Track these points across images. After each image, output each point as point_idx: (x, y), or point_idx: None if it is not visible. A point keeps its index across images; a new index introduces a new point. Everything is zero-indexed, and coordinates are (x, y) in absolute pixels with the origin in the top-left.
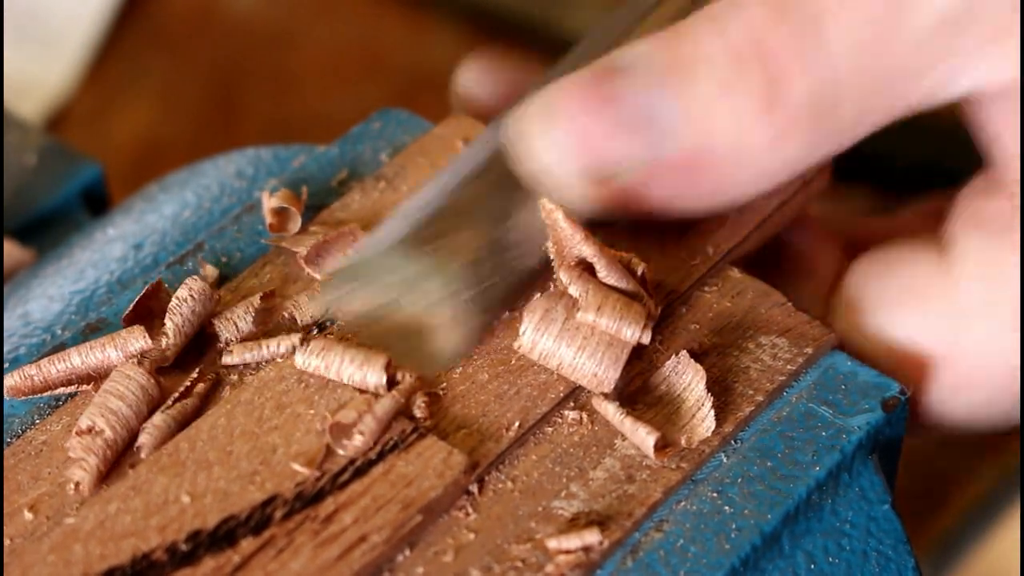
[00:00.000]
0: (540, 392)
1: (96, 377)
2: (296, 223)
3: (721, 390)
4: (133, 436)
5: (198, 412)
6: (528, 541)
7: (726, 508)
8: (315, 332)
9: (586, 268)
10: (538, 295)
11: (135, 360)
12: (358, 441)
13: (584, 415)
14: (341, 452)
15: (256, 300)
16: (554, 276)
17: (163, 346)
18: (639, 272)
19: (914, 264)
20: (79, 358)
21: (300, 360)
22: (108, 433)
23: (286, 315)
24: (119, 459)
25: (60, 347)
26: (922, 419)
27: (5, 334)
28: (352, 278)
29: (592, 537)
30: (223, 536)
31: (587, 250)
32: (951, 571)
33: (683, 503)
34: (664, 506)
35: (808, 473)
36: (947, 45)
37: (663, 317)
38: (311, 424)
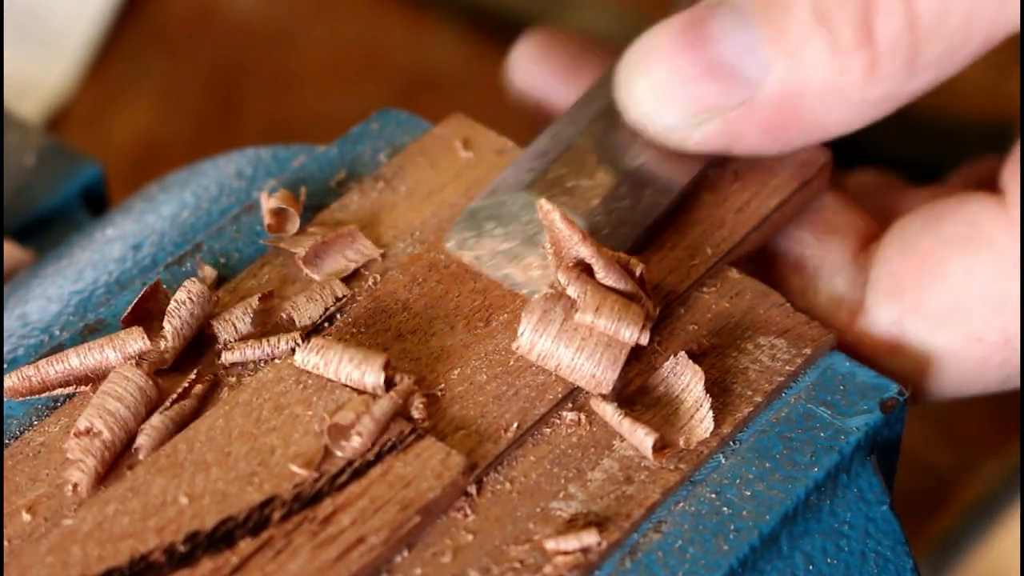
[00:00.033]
0: (538, 393)
1: (94, 378)
2: (294, 224)
3: (719, 391)
4: (131, 437)
5: (196, 413)
6: (526, 542)
7: (724, 509)
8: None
9: (584, 269)
10: (535, 296)
11: (133, 362)
12: (356, 442)
13: (582, 416)
14: (339, 453)
15: (255, 301)
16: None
17: (161, 348)
18: (637, 273)
19: (971, 211)
20: (77, 359)
21: (299, 357)
22: (106, 434)
23: (284, 316)
24: (117, 460)
25: (58, 348)
26: (968, 375)
27: (4, 335)
28: (490, 217)
29: (590, 538)
30: (221, 537)
31: (585, 251)
32: (951, 571)
33: (681, 504)
34: (662, 507)
35: (806, 474)
36: None
37: (662, 318)
38: (309, 425)
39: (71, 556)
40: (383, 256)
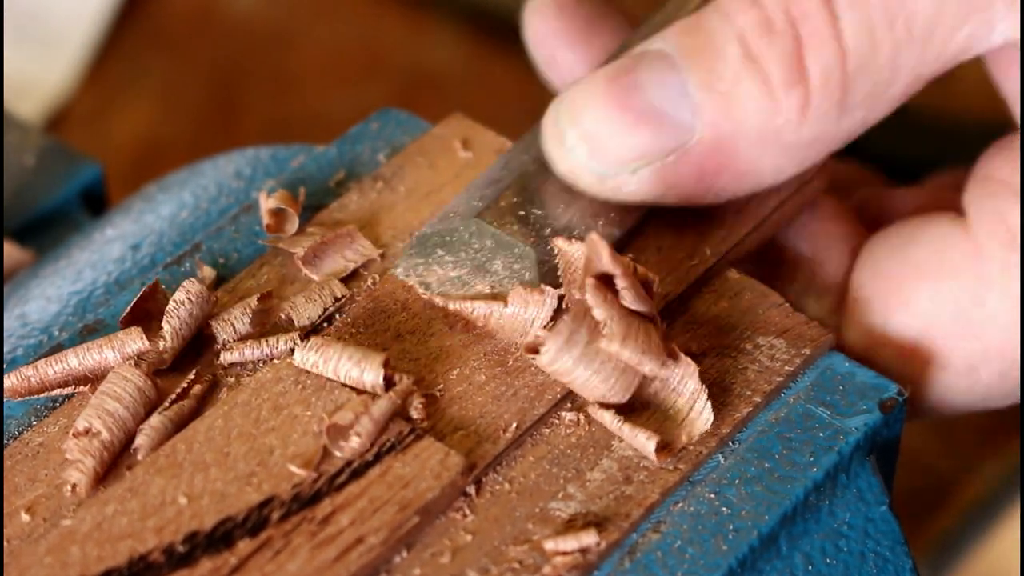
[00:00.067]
0: (537, 393)
1: (93, 379)
2: (293, 224)
3: (719, 391)
4: (130, 438)
5: (195, 414)
6: (525, 542)
7: (723, 509)
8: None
9: (607, 283)
10: (563, 317)
11: (132, 362)
12: (355, 443)
13: (581, 416)
14: (338, 454)
15: (253, 301)
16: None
17: (160, 349)
18: (654, 287)
19: (934, 233)
20: (76, 359)
21: (299, 356)
22: (105, 435)
23: (283, 316)
24: (116, 461)
25: (57, 348)
26: (935, 400)
27: (4, 335)
28: (439, 244)
29: (589, 538)
30: (220, 537)
31: (613, 268)
32: (951, 571)
33: (680, 504)
34: (661, 507)
35: (806, 474)
36: (969, 1)
37: (661, 317)
38: (308, 425)
39: (70, 556)
40: (382, 256)
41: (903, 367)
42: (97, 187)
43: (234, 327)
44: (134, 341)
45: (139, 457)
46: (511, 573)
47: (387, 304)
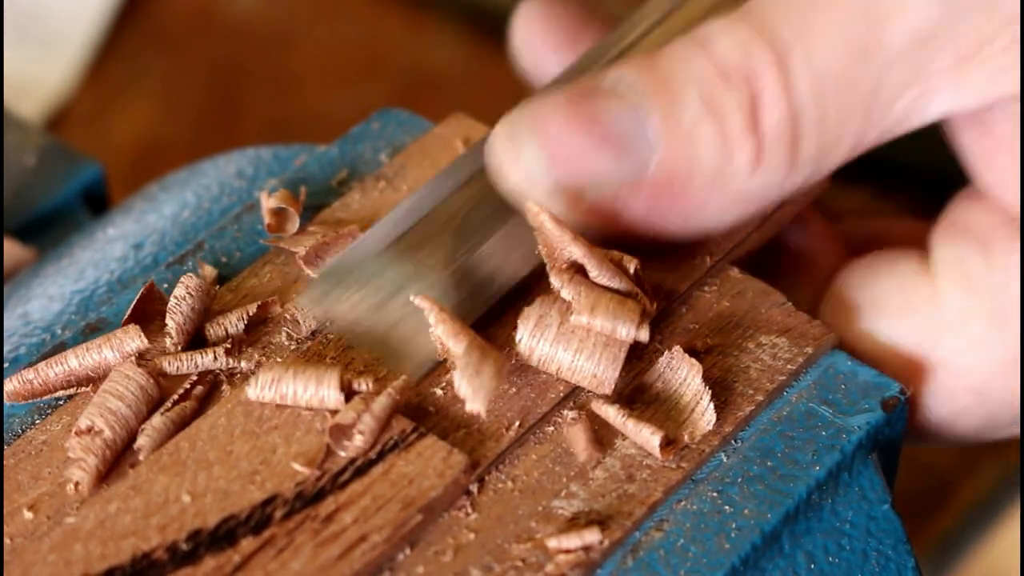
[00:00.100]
0: (540, 392)
1: (95, 378)
2: (294, 224)
3: (721, 390)
4: (132, 436)
5: (197, 414)
6: (528, 540)
7: (726, 508)
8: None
9: (578, 270)
10: (534, 302)
11: (134, 359)
12: (358, 441)
13: (584, 414)
14: (341, 453)
15: (253, 307)
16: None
17: (167, 345)
18: (631, 270)
19: (899, 271)
20: (76, 360)
21: (253, 394)
22: (107, 433)
23: (288, 316)
24: (119, 459)
25: (60, 347)
26: (919, 427)
27: (5, 334)
28: (342, 278)
29: (592, 536)
30: (223, 535)
31: (576, 251)
32: (951, 571)
33: (683, 503)
34: (664, 506)
35: (808, 473)
36: (920, 66)
37: (663, 317)
38: (311, 424)
39: (73, 554)
40: None
41: None
42: (98, 187)
43: (226, 330)
44: (133, 340)
45: (141, 458)
46: (514, 571)
47: None
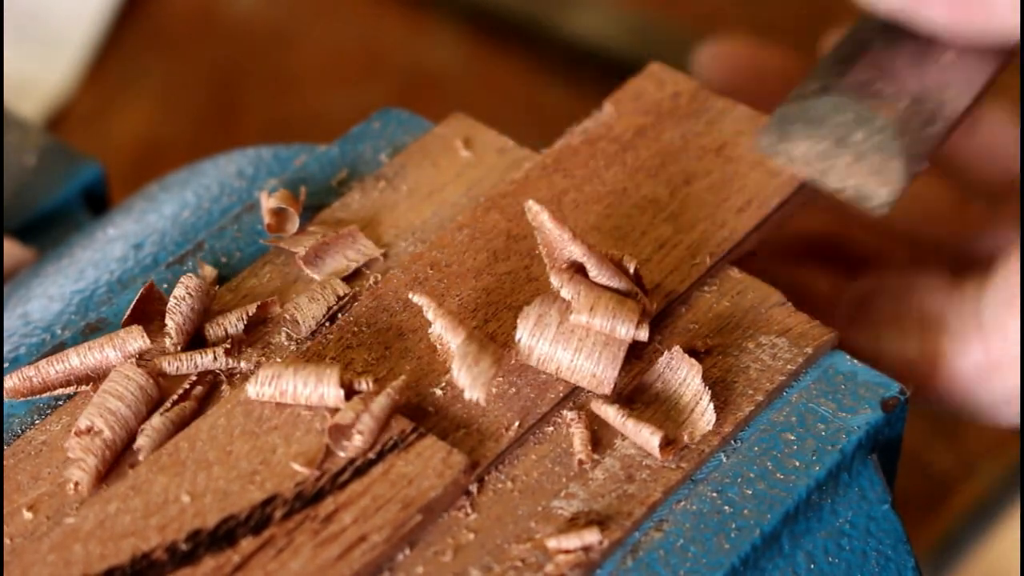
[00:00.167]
0: (540, 392)
1: (95, 378)
2: (294, 224)
3: (721, 390)
4: (132, 436)
5: (196, 415)
6: (528, 541)
7: (726, 508)
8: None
9: (578, 269)
10: (534, 302)
11: (134, 360)
12: (358, 441)
13: (583, 415)
14: (341, 453)
15: (252, 308)
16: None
17: (167, 345)
18: (631, 269)
19: (920, 289)
20: (77, 359)
21: (252, 390)
22: (107, 433)
23: (287, 316)
24: (118, 459)
25: (60, 347)
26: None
27: (5, 334)
28: (798, 120)
29: (592, 537)
30: (223, 536)
31: (576, 250)
32: (951, 571)
33: (683, 503)
34: (664, 506)
35: (808, 473)
36: None
37: (663, 317)
38: (311, 424)
39: (73, 554)
40: (384, 255)
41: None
42: (98, 187)
43: (226, 331)
44: (135, 340)
45: (140, 458)
46: (514, 571)
47: (390, 302)
